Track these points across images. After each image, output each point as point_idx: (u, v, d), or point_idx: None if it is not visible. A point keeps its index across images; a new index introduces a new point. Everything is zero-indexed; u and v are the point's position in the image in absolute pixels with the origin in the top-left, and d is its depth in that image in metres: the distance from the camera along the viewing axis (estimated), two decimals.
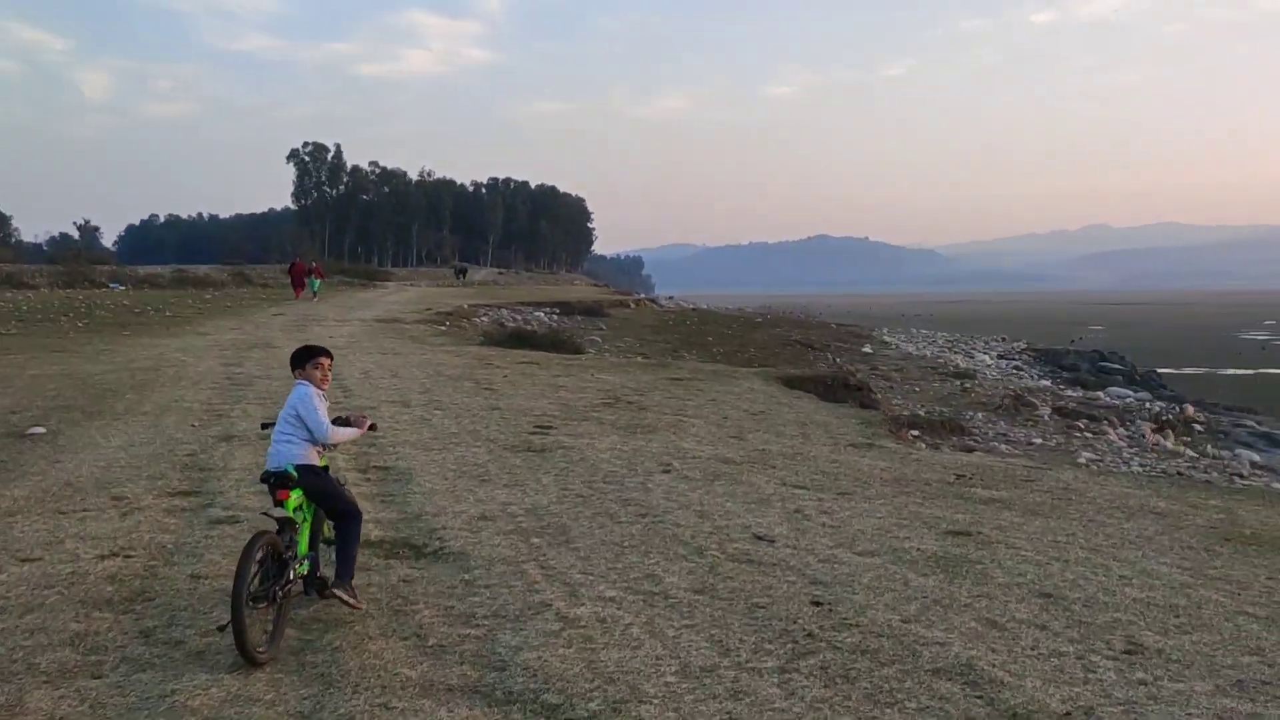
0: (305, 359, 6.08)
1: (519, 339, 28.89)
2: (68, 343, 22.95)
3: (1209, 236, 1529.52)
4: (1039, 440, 19.22)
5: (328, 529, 6.13)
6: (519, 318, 42.29)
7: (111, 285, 48.03)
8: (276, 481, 5.74)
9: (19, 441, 11.28)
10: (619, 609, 6.16)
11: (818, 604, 6.30)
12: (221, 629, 5.35)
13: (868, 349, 43.45)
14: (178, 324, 29.35)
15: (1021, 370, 42.14)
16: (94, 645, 5.53)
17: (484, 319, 39.89)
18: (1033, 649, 5.62)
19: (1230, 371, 46.97)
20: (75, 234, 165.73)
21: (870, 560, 7.34)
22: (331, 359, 6.20)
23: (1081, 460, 16.57)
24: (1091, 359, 48.61)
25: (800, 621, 5.98)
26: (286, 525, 5.78)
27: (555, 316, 44.91)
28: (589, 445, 11.81)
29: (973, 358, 45.24)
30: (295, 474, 5.74)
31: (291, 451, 5.82)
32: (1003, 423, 22.01)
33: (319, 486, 5.87)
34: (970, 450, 16.23)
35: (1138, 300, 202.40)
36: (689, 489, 9.66)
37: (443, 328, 32.33)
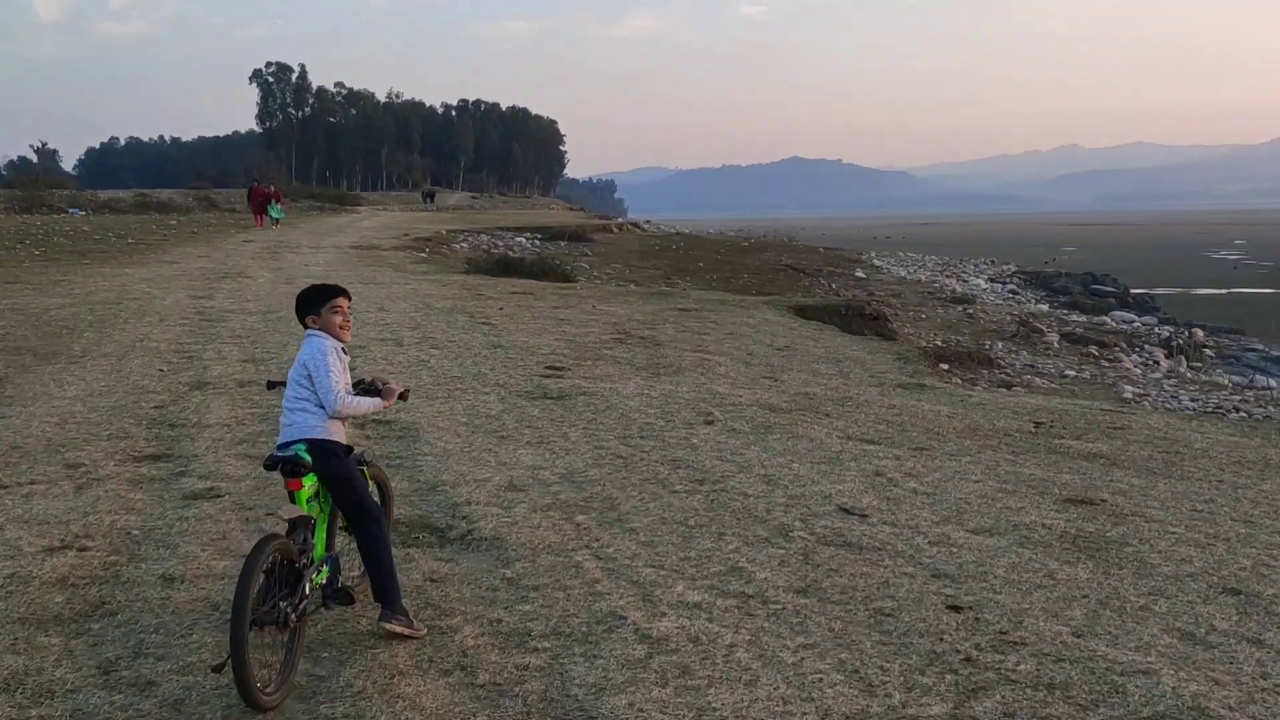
0: (319, 301, 4.64)
1: (506, 267, 27.33)
2: (21, 272, 21.21)
3: (1181, 156, 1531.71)
4: (1071, 373, 18.04)
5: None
6: (501, 244, 40.53)
7: (70, 210, 45.94)
8: (286, 469, 4.38)
9: None
10: (710, 621, 4.86)
11: (956, 609, 5.03)
12: (216, 669, 3.99)
13: (860, 273, 42.01)
14: (141, 251, 27.51)
15: (1018, 294, 41.01)
16: (36, 690, 4.18)
17: (464, 245, 38.19)
18: (1263, 678, 4.35)
19: (1204, 291, 46.19)
20: (33, 157, 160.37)
21: (992, 542, 6.05)
22: (350, 299, 4.77)
23: (1126, 395, 15.41)
24: (1083, 281, 47.59)
25: (946, 637, 4.70)
26: (300, 523, 4.45)
27: (538, 242, 43.11)
28: (612, 390, 10.45)
29: (967, 282, 44.02)
30: (308, 458, 4.38)
31: (308, 423, 4.46)
32: (1024, 352, 20.81)
33: (335, 471, 4.48)
34: (1009, 386, 15.04)
35: (1110, 221, 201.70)
36: (742, 445, 8.33)
37: (423, 255, 30.65)
